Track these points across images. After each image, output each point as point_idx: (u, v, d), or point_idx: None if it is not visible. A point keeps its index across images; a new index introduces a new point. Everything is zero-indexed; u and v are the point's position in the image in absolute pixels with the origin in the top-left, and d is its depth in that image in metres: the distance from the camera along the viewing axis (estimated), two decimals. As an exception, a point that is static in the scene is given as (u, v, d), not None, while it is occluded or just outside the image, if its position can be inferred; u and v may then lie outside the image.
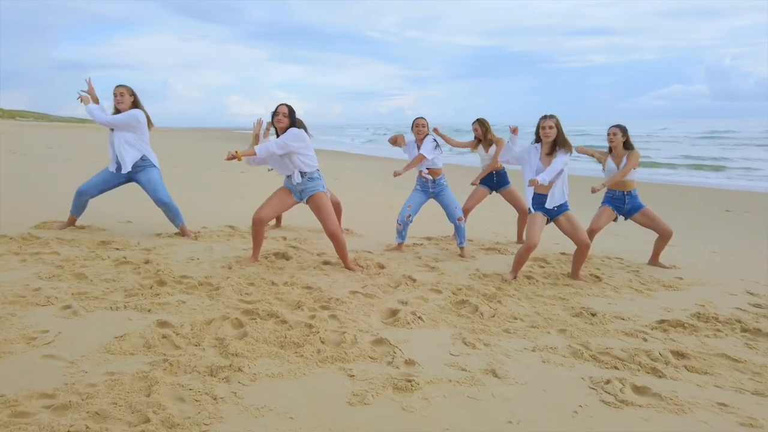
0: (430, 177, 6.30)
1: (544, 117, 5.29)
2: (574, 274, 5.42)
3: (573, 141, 5.45)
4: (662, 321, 4.17)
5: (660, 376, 3.18)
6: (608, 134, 6.18)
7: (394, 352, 3.24)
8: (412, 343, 3.47)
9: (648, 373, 3.22)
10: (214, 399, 2.56)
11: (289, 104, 5.13)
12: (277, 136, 5.11)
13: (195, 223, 6.99)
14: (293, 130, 5.02)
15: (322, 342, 3.33)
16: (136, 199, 6.94)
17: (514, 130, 5.71)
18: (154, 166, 6.28)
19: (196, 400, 2.53)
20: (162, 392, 2.56)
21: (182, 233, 6.38)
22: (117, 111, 6.16)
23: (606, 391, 2.93)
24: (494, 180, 7.16)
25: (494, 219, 9.22)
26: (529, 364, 3.26)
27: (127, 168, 6.09)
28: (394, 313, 3.98)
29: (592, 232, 6.20)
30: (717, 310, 4.57)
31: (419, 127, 6.29)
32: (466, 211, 7.12)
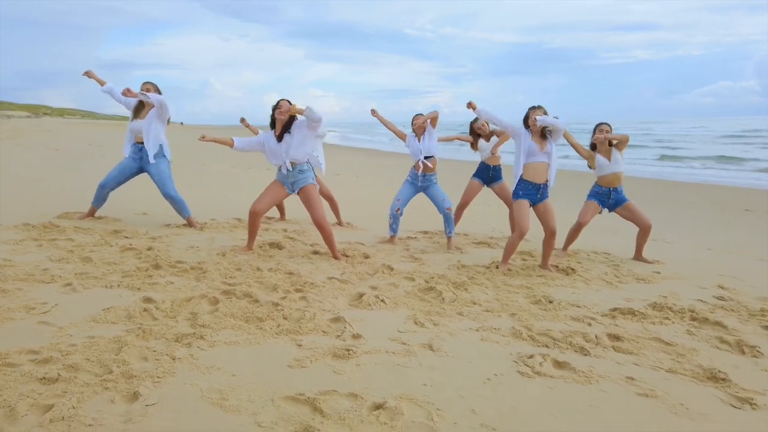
0: (430, 165, 6.61)
1: (533, 108, 5.62)
2: (544, 264, 5.72)
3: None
4: (615, 309, 4.45)
5: (585, 354, 3.49)
6: (602, 131, 6.41)
7: (345, 328, 3.63)
8: (366, 321, 3.85)
9: (576, 351, 3.53)
10: (173, 359, 3.00)
11: (289, 100, 5.63)
12: (273, 128, 5.62)
13: (223, 215, 7.58)
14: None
15: (285, 318, 3.74)
16: (152, 192, 7.48)
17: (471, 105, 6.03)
18: (165, 157, 6.80)
19: (157, 359, 2.97)
20: (129, 352, 3.01)
21: (189, 224, 6.88)
22: (142, 106, 6.72)
23: (526, 364, 3.25)
24: (489, 174, 7.43)
25: (495, 214, 9.50)
26: (467, 341, 3.60)
27: (151, 153, 6.62)
28: (360, 296, 4.36)
29: (579, 226, 6.49)
30: (677, 301, 4.81)
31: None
32: (463, 206, 7.45)
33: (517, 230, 5.63)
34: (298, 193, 5.72)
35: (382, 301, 4.27)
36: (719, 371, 3.26)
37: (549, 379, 3.09)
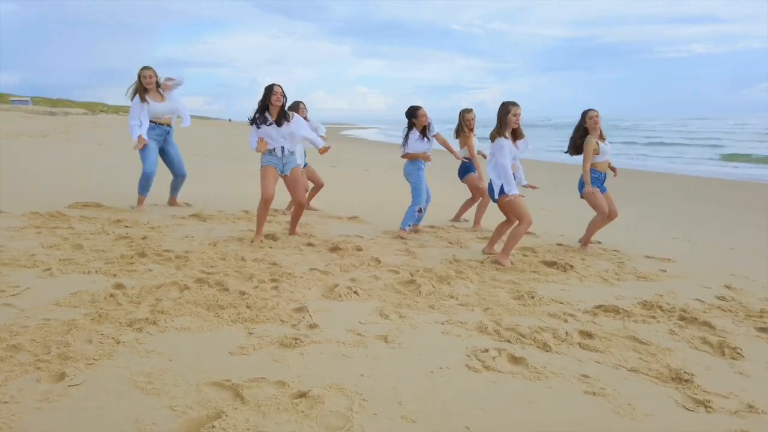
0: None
1: (515, 104, 5.53)
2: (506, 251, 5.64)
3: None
4: (599, 306, 4.28)
5: (547, 351, 3.36)
6: (593, 117, 6.25)
7: (304, 318, 3.60)
8: (331, 312, 3.81)
9: (538, 347, 3.41)
10: (117, 342, 3.03)
11: (281, 85, 5.83)
12: (268, 112, 5.81)
13: (235, 207, 7.81)
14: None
15: (247, 307, 3.74)
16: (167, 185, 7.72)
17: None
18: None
19: (101, 342, 3.01)
20: (76, 335, 3.06)
21: (172, 203, 7.73)
22: (145, 90, 7.05)
23: (478, 358, 3.16)
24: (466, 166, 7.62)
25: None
26: (426, 334, 3.52)
27: (189, 122, 7.51)
28: (334, 287, 4.32)
29: (605, 217, 6.33)
30: (672, 300, 4.60)
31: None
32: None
33: (526, 221, 5.63)
34: (287, 174, 6.01)
35: (355, 292, 4.23)
36: (685, 372, 3.09)
37: (496, 374, 2.99)
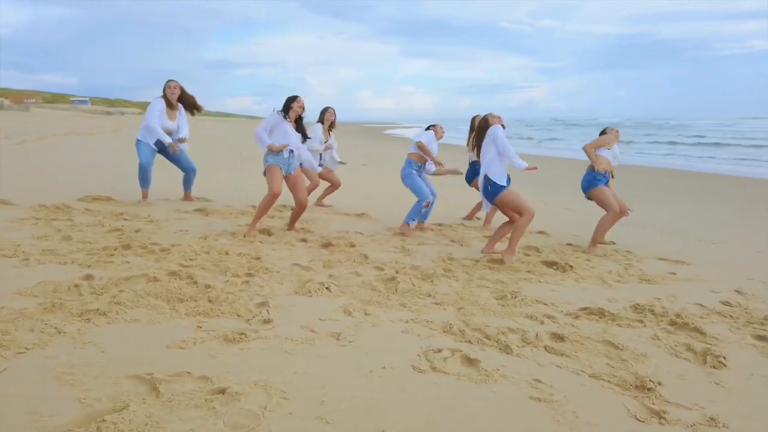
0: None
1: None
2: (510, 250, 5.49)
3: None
4: (585, 308, 4.06)
5: (507, 353, 3.18)
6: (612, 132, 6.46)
7: (261, 313, 3.51)
8: (295, 308, 3.71)
9: (499, 349, 3.22)
10: (58, 332, 3.00)
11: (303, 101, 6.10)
12: (285, 117, 6.01)
13: (245, 202, 7.69)
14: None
15: (209, 301, 3.67)
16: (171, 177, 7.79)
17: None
18: None
19: (42, 332, 2.98)
20: (20, 324, 3.05)
21: (187, 198, 7.78)
22: (169, 102, 7.22)
23: (427, 359, 3.00)
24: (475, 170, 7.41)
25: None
26: (384, 333, 3.38)
27: (185, 133, 7.46)
28: (306, 283, 4.22)
29: (615, 215, 6.14)
30: (670, 304, 4.33)
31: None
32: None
33: (529, 213, 5.48)
34: (290, 174, 6.05)
35: (327, 288, 4.11)
36: (651, 380, 2.86)
37: (440, 375, 2.83)
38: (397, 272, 4.74)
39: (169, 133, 7.22)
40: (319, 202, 8.25)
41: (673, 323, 3.86)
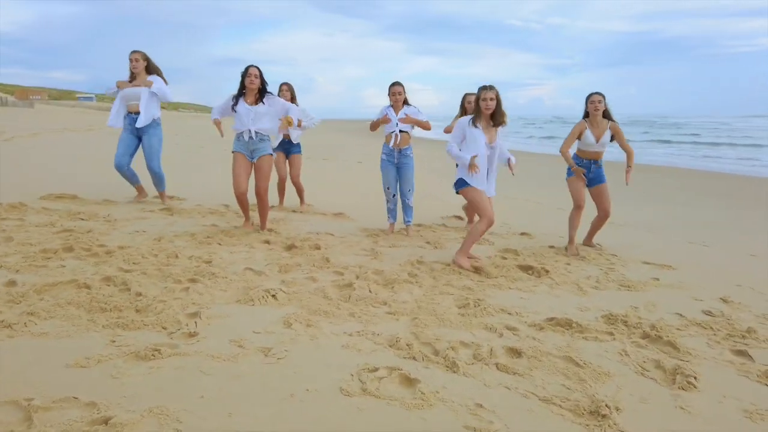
0: (398, 142, 6.22)
1: (485, 88, 5.01)
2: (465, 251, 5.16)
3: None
4: (551, 319, 3.74)
5: (453, 371, 2.87)
6: (593, 101, 5.86)
7: (189, 325, 3.21)
8: (230, 318, 3.40)
9: (446, 367, 2.91)
10: (-50, 348, 2.71)
11: (258, 66, 5.63)
12: (241, 97, 5.66)
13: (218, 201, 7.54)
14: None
15: (136, 311, 3.37)
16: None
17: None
18: (159, 128, 7.07)
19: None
20: None
21: (161, 198, 7.27)
22: (132, 75, 6.84)
23: (360, 380, 2.69)
24: None
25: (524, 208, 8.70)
26: (321, 348, 3.07)
27: (142, 122, 6.79)
28: (251, 290, 3.91)
29: (579, 210, 5.84)
30: (647, 314, 4.02)
31: (396, 95, 6.22)
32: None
33: (488, 220, 5.10)
34: (255, 161, 5.79)
35: (273, 296, 3.80)
36: (607, 405, 2.55)
37: (370, 399, 2.52)
38: (357, 277, 4.43)
39: (131, 102, 6.86)
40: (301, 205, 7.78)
41: (645, 336, 3.54)
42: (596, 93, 5.84)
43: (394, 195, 6.39)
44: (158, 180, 7.10)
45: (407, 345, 3.14)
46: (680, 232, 7.55)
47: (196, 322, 3.23)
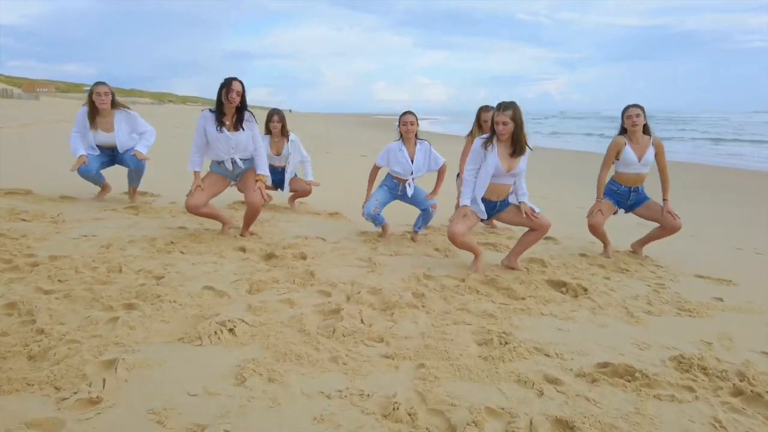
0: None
1: (500, 108, 4.20)
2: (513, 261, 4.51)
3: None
4: (605, 365, 2.76)
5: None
6: (630, 116, 4.96)
7: (93, 384, 2.23)
8: (161, 369, 2.41)
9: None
10: None
11: (242, 81, 4.58)
12: (223, 114, 4.63)
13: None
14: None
15: (28, 358, 2.40)
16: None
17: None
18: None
19: None
20: None
21: (130, 195, 6.33)
22: (96, 110, 5.81)
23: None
24: None
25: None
26: (285, 420, 2.10)
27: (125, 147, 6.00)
28: (200, 322, 2.94)
29: (593, 229, 5.08)
30: (725, 354, 3.04)
31: (408, 125, 5.22)
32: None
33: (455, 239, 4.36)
34: (239, 180, 5.02)
35: (230, 330, 2.83)
36: None
37: None
38: (347, 299, 3.47)
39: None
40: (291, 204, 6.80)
41: (738, 393, 2.56)
42: (633, 105, 4.96)
43: (375, 209, 5.24)
44: (137, 174, 6.12)
45: (409, 414, 2.17)
46: (721, 236, 6.54)
47: (104, 379, 2.24)
